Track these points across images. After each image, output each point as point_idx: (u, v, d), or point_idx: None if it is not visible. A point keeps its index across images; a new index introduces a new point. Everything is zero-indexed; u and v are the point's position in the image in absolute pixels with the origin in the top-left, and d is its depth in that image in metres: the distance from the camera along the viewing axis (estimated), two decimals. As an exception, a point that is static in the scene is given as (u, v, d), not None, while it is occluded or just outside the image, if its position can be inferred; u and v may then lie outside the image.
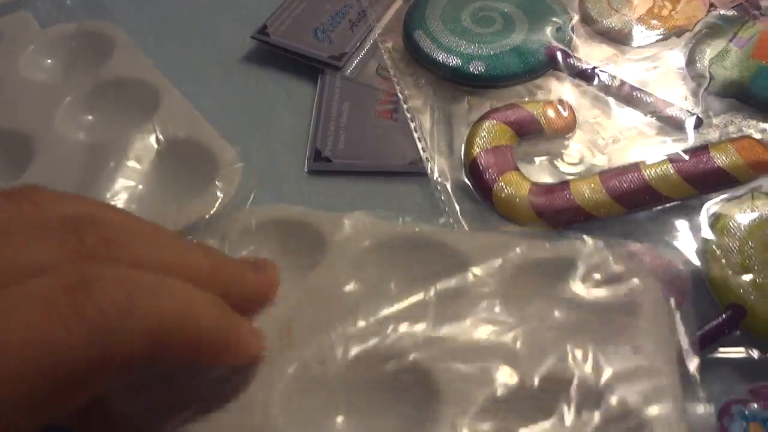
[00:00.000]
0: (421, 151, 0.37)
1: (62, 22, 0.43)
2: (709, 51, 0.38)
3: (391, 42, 0.42)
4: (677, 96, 0.37)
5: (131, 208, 0.33)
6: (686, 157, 0.33)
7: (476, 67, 0.38)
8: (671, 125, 0.36)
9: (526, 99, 0.38)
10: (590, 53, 0.40)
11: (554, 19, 0.41)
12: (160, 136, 0.36)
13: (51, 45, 0.42)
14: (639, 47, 0.40)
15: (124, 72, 0.39)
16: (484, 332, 0.26)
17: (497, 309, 0.26)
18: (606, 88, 0.37)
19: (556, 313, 0.27)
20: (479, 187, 0.35)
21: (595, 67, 0.38)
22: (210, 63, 0.43)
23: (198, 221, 0.32)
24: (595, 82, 0.38)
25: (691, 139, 0.35)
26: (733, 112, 0.36)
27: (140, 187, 0.35)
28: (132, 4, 0.47)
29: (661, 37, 0.40)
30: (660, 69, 0.39)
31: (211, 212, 0.33)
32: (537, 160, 0.36)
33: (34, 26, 0.43)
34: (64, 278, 0.18)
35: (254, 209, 0.32)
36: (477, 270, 0.28)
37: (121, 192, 0.34)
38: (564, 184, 0.34)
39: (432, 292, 0.27)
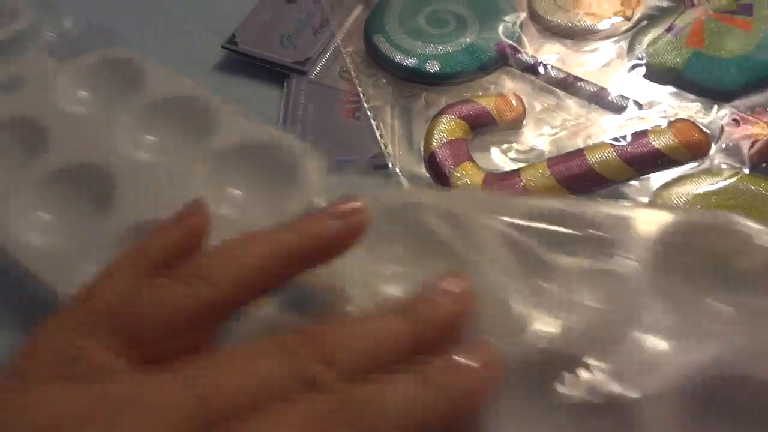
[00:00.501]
0: (383, 146, 0.39)
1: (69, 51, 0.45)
2: (647, 40, 0.41)
3: (352, 46, 0.44)
4: (619, 84, 0.40)
5: (231, 212, 0.35)
6: (626, 142, 0.36)
7: (432, 66, 0.41)
8: (614, 111, 0.39)
9: (480, 94, 0.41)
10: (539, 48, 0.42)
11: (504, 18, 0.43)
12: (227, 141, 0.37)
13: (80, 77, 0.42)
14: (583, 40, 0.42)
15: (166, 91, 0.40)
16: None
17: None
18: (552, 80, 0.40)
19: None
20: (437, 178, 0.37)
21: (542, 61, 0.41)
22: (184, 72, 0.45)
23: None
24: (543, 75, 0.40)
25: (632, 123, 0.38)
26: (671, 96, 0.39)
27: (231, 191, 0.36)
28: (106, 14, 0.49)
29: (603, 29, 0.42)
30: (603, 59, 0.41)
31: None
32: (492, 150, 0.39)
33: (51, 62, 0.43)
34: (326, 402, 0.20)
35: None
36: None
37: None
38: (515, 172, 0.36)
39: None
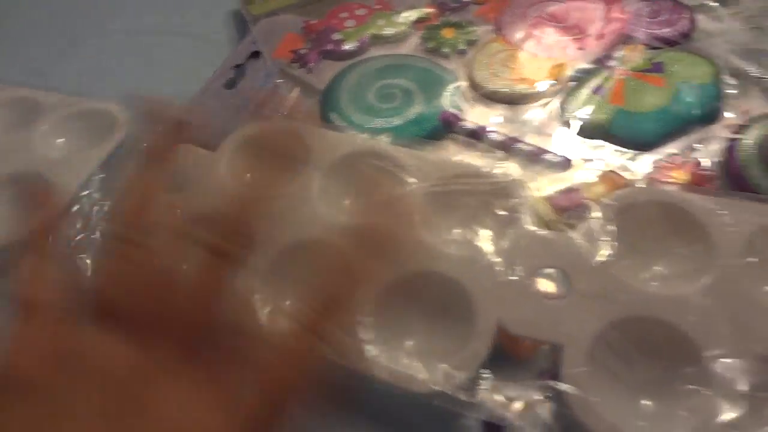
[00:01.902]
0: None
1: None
2: (575, 101, 0.45)
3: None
4: (554, 141, 0.44)
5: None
6: (561, 195, 0.40)
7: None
8: (552, 168, 0.43)
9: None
10: (480, 114, 0.46)
11: (447, 89, 0.48)
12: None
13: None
14: (520, 104, 0.46)
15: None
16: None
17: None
18: (494, 144, 0.44)
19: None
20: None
21: (483, 126, 0.45)
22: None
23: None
24: (485, 139, 0.44)
25: (566, 179, 0.42)
26: (601, 150, 0.43)
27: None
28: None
29: (536, 92, 0.46)
30: (538, 120, 0.45)
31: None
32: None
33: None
34: None
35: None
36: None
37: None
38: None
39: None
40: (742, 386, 0.29)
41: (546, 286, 0.34)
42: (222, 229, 0.30)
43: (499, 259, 0.35)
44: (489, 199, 0.38)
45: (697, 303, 0.32)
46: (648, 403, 0.31)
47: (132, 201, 0.31)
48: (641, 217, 0.35)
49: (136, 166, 0.32)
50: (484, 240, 0.36)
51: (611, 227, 0.35)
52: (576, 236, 0.35)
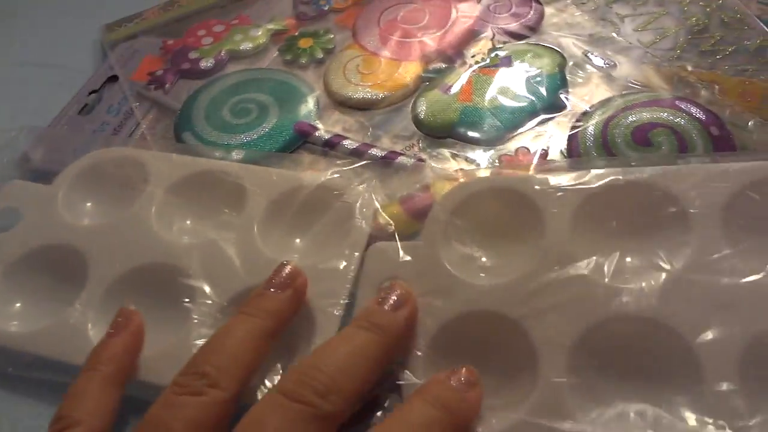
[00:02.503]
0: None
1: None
2: (424, 101, 0.45)
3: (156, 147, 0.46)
4: (407, 144, 0.44)
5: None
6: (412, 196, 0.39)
7: (237, 155, 0.44)
8: (406, 170, 0.42)
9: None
10: (336, 122, 0.46)
11: (303, 99, 0.47)
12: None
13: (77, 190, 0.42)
14: (375, 109, 0.46)
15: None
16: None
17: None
18: (348, 151, 0.43)
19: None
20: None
21: (338, 135, 0.44)
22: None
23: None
24: (339, 147, 0.44)
25: (419, 179, 0.41)
26: (450, 148, 0.43)
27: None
28: None
29: (390, 96, 0.46)
30: (394, 124, 0.45)
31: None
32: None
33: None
34: None
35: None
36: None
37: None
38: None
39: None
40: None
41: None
42: None
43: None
44: (332, 209, 0.38)
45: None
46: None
47: None
48: (481, 206, 0.36)
49: None
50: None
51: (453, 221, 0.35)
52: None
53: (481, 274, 0.34)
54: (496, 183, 0.36)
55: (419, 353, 0.32)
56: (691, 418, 0.28)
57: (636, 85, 0.43)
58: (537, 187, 0.34)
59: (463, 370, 0.30)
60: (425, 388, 0.29)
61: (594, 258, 0.32)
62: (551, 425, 0.28)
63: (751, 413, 0.27)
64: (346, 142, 0.44)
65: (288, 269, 0.34)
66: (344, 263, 0.35)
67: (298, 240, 0.38)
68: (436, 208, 0.36)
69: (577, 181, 0.34)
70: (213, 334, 0.32)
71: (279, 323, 0.32)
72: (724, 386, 0.28)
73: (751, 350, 0.28)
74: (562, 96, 0.43)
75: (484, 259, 0.35)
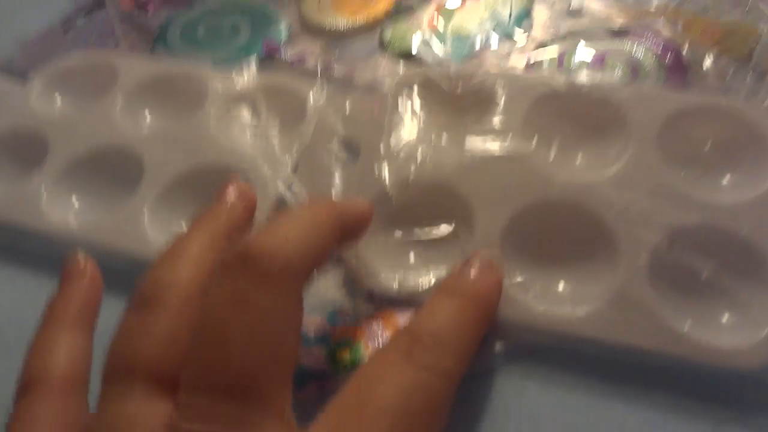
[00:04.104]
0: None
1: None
2: (392, 28, 0.45)
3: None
4: (373, 69, 0.44)
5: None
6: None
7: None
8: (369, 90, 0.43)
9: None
10: (305, 46, 0.47)
11: (275, 23, 0.48)
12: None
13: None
14: (344, 37, 0.47)
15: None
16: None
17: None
18: (311, 72, 0.44)
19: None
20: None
21: (303, 56, 0.45)
22: None
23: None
24: (303, 68, 0.44)
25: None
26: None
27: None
28: None
29: (360, 25, 0.47)
30: (361, 50, 0.46)
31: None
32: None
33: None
34: None
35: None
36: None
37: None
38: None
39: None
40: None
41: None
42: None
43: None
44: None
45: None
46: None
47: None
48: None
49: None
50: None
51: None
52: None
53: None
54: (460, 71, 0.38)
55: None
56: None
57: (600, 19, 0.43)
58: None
59: (476, 256, 0.29)
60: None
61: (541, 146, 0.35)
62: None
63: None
64: (311, 64, 0.44)
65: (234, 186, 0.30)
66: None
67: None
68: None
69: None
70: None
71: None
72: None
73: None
74: (523, 29, 0.44)
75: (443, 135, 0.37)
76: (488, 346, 0.29)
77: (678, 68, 0.39)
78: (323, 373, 0.28)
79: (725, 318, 0.29)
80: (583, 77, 0.37)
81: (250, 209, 0.30)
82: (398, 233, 0.33)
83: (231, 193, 0.30)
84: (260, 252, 0.23)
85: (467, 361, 0.26)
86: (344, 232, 0.27)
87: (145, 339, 0.23)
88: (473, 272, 0.29)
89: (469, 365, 0.26)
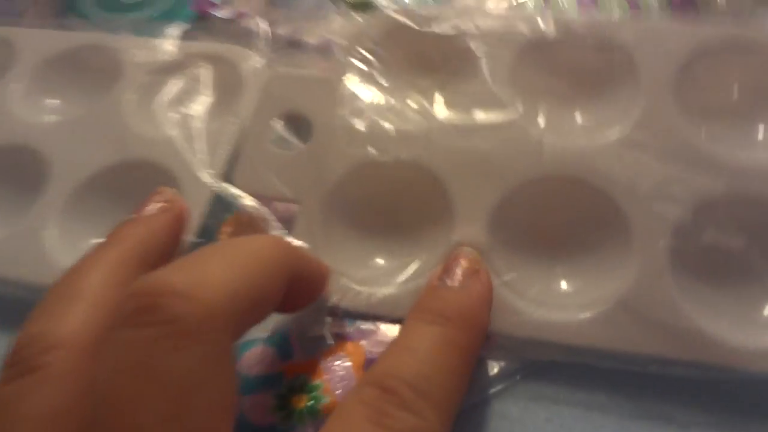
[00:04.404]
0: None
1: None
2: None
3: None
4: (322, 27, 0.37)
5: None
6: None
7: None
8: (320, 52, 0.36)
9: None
10: (247, 1, 0.40)
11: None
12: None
13: None
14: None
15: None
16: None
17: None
18: (247, 31, 0.37)
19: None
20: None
21: (240, 12, 0.38)
22: None
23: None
24: (240, 26, 0.38)
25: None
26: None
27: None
28: None
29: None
30: (305, 6, 0.39)
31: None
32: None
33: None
34: None
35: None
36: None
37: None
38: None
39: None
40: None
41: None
42: None
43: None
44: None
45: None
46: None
47: None
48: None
49: None
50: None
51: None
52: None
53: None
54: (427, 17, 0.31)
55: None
56: None
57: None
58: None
59: (460, 260, 0.23)
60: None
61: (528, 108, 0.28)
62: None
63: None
64: (251, 22, 0.38)
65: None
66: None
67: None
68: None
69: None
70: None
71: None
72: None
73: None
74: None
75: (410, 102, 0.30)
76: (481, 369, 0.23)
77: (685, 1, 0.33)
78: (272, 428, 0.22)
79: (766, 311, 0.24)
80: (576, 17, 0.31)
81: (175, 225, 0.24)
82: (363, 229, 0.27)
83: (151, 206, 0.23)
84: (170, 292, 0.17)
85: (455, 410, 0.20)
86: (295, 282, 0.21)
87: (17, 423, 0.17)
88: (455, 281, 0.23)
89: (458, 411, 0.20)
